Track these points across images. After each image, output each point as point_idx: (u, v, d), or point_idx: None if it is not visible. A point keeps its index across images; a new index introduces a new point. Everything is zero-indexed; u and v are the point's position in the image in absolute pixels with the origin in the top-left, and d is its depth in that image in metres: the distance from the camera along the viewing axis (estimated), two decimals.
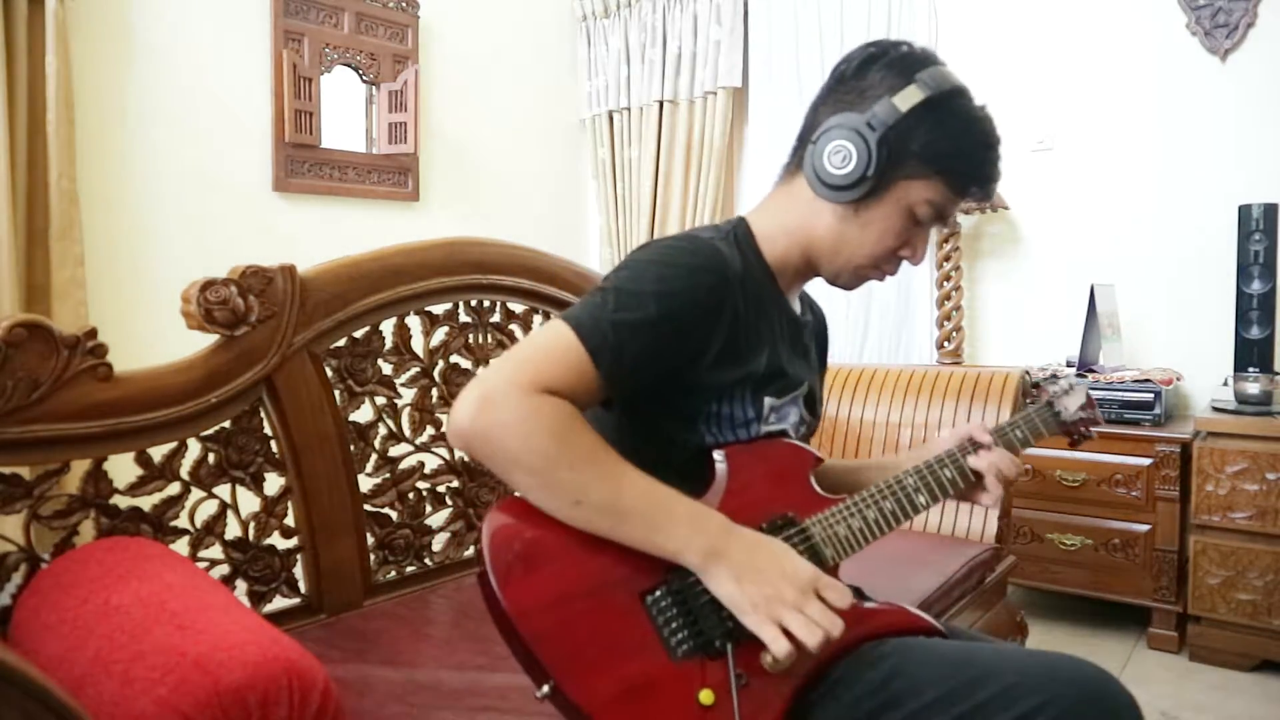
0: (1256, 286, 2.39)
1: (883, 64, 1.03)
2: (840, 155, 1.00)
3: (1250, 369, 2.38)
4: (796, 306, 1.15)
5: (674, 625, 0.88)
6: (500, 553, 0.86)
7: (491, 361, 0.93)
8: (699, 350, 0.98)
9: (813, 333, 1.20)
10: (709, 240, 1.02)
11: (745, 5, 3.46)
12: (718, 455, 1.01)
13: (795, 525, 0.98)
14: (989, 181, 1.05)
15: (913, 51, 1.03)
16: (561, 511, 0.88)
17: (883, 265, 1.09)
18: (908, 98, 0.99)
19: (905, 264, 1.11)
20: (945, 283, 2.92)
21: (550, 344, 0.92)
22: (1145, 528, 2.43)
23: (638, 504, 0.88)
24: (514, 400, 0.86)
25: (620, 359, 0.92)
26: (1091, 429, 1.29)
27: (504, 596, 0.84)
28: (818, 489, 1.04)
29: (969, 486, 1.12)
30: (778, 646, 0.85)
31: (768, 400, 1.05)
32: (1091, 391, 2.47)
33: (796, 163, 1.09)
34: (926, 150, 1.00)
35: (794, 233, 1.08)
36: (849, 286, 1.13)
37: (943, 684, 0.89)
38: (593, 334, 0.91)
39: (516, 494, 0.91)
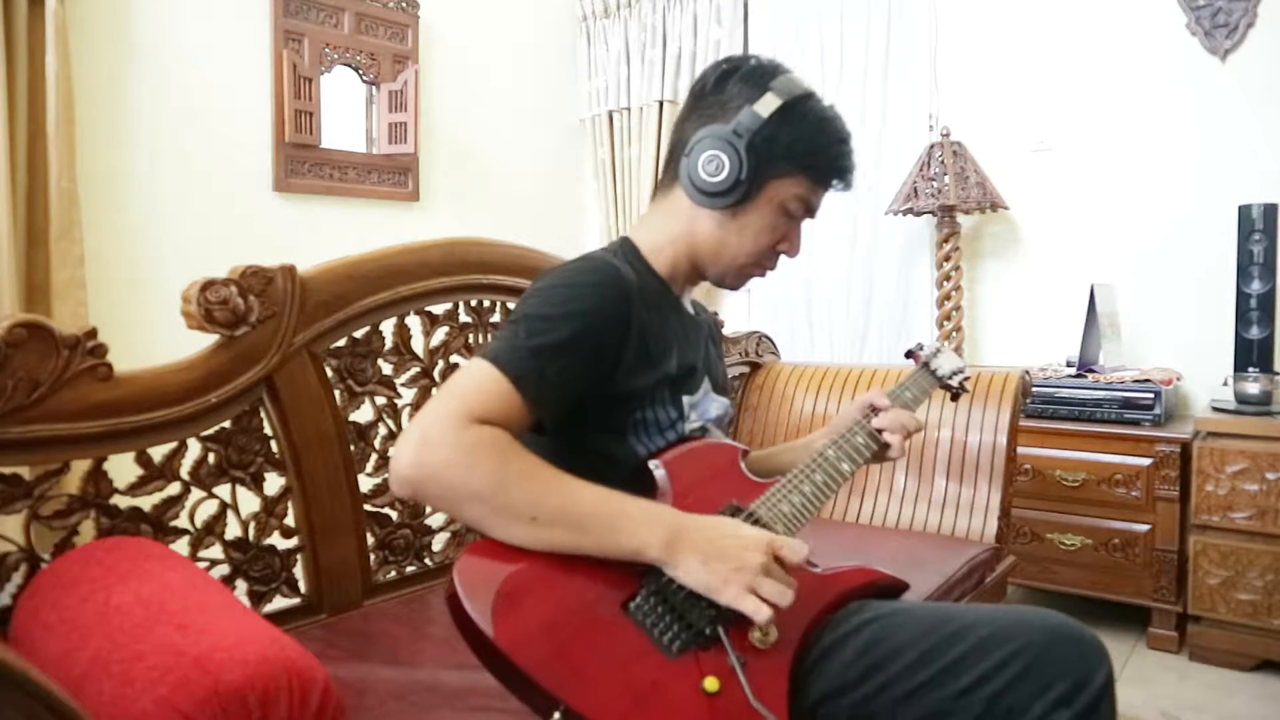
0: (1256, 286, 2.39)
1: (738, 77, 1.11)
2: (714, 164, 1.08)
3: (1250, 369, 2.38)
4: (691, 310, 1.24)
5: (661, 625, 0.90)
6: (477, 596, 0.86)
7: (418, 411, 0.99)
8: (614, 361, 1.04)
9: (707, 331, 1.28)
10: (604, 258, 1.09)
11: (745, 5, 3.46)
12: (654, 464, 1.07)
13: (743, 511, 1.03)
14: (846, 171, 1.15)
15: (762, 63, 1.13)
16: (519, 534, 0.89)
17: (763, 262, 1.18)
18: (766, 104, 1.08)
19: (784, 258, 1.20)
20: (945, 283, 2.92)
21: (473, 380, 0.96)
22: (1145, 528, 2.43)
23: (591, 510, 0.91)
24: (451, 435, 0.89)
25: (543, 382, 0.96)
26: (965, 383, 1.38)
27: (494, 634, 0.84)
28: (752, 476, 1.10)
29: (881, 447, 1.19)
30: (761, 615, 0.88)
31: (685, 399, 1.12)
32: (1092, 391, 2.51)
33: (671, 177, 1.17)
34: (789, 150, 1.09)
35: (678, 242, 1.16)
36: (734, 286, 1.21)
37: (923, 642, 0.95)
38: (511, 363, 0.96)
39: (475, 539, 0.93)
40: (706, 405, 1.16)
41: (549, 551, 0.90)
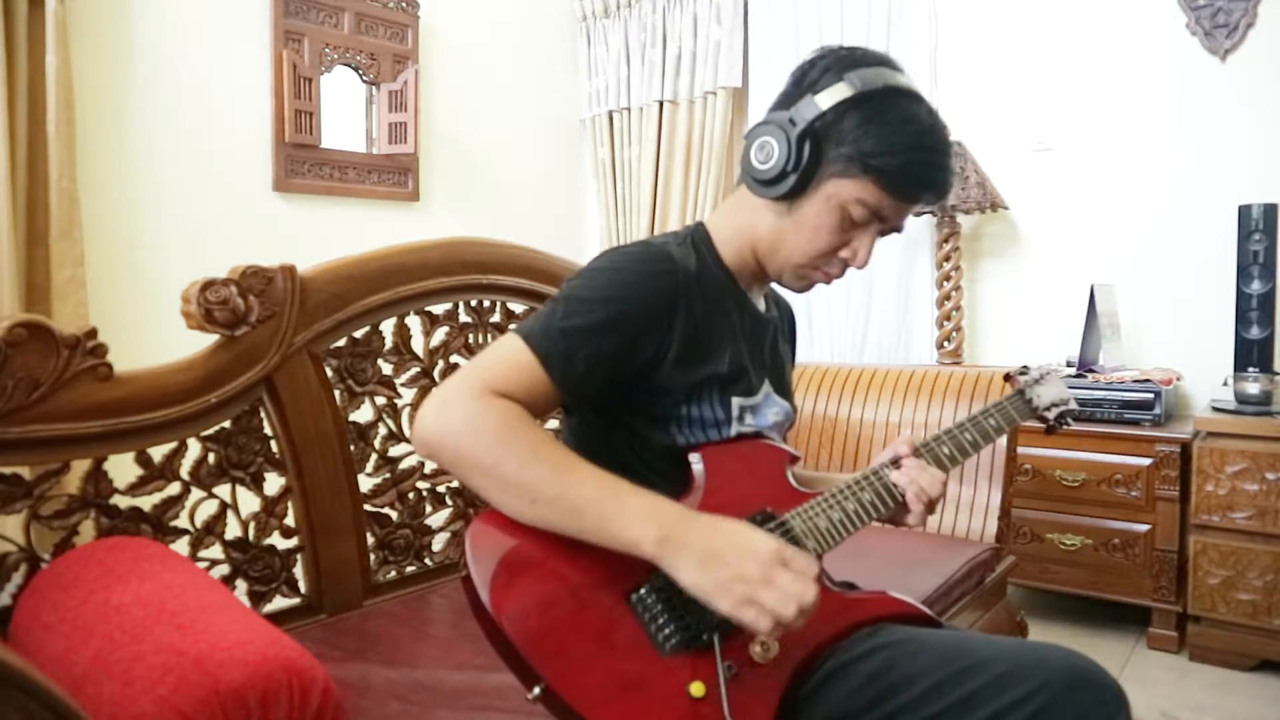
0: (1256, 286, 2.39)
1: (825, 63, 1.02)
2: (764, 151, 1.01)
3: (1250, 369, 2.38)
4: (761, 305, 1.16)
5: (660, 621, 0.89)
6: (483, 560, 0.87)
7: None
8: (654, 353, 1.00)
9: (780, 329, 1.21)
10: (661, 245, 1.05)
11: (745, 5, 3.46)
12: (694, 457, 1.03)
13: (775, 519, 0.99)
14: (926, 186, 1.02)
15: (856, 52, 1.03)
16: (521, 512, 0.89)
17: (822, 266, 1.08)
18: (832, 94, 0.98)
19: (850, 267, 1.09)
20: (945, 283, 2.92)
21: (502, 354, 0.96)
22: (1145, 528, 2.43)
23: (589, 496, 0.88)
24: (463, 404, 0.90)
25: (571, 364, 0.95)
26: (1069, 419, 1.28)
27: (489, 602, 0.84)
28: (795, 484, 1.05)
29: (898, 506, 1.08)
30: (760, 625, 0.82)
31: (736, 401, 1.07)
32: (1092, 391, 2.51)
33: None
34: (852, 148, 0.99)
35: (743, 232, 1.10)
36: (794, 287, 1.12)
37: (935, 673, 0.91)
38: (542, 341, 0.95)
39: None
40: (765, 410, 1.10)
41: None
